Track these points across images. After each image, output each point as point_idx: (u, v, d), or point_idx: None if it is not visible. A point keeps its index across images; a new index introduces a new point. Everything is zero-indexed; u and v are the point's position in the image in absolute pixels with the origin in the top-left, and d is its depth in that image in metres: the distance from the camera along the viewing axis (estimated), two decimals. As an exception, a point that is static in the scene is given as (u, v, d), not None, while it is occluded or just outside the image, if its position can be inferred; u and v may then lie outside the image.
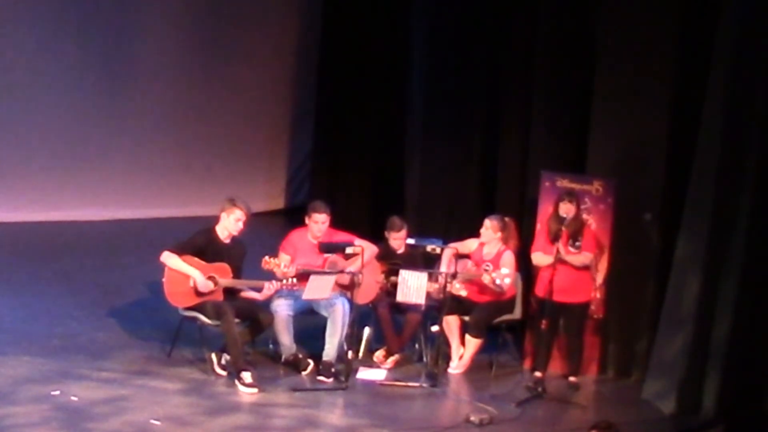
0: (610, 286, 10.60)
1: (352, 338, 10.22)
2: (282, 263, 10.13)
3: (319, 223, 10.29)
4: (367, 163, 14.26)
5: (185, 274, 9.89)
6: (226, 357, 10.00)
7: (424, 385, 10.20)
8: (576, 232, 10.31)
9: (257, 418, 9.31)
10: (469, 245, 10.64)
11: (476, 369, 10.60)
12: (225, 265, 9.98)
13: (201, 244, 10.01)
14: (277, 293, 10.09)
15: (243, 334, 10.00)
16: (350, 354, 10.18)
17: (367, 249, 10.32)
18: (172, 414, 9.14)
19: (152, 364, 10.09)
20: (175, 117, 14.96)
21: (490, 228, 10.47)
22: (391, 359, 10.61)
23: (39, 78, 14.06)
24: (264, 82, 15.42)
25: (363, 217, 13.50)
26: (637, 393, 10.29)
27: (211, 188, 14.26)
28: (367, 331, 10.71)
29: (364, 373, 10.29)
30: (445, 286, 10.27)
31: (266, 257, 10.10)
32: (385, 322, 10.63)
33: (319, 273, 10.10)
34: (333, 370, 10.11)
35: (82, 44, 14.22)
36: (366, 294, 10.40)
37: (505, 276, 10.27)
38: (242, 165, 15.31)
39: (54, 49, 14.07)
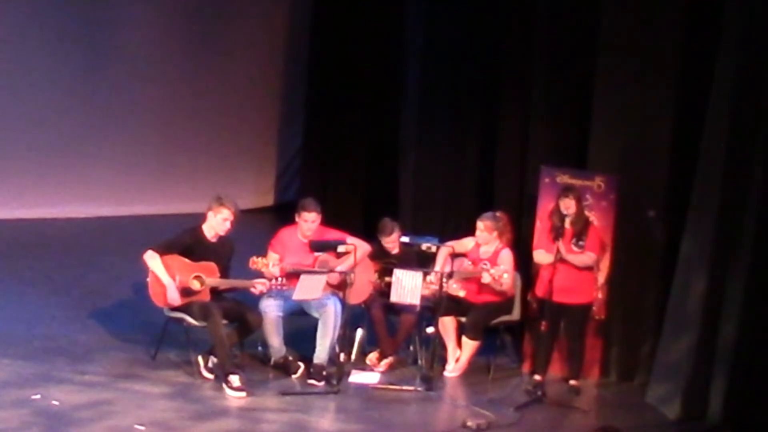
0: (612, 286, 10.55)
1: (344, 340, 10.18)
2: (271, 262, 10.05)
3: (309, 222, 10.21)
4: (360, 159, 14.32)
5: (170, 274, 9.76)
6: (213, 359, 9.92)
7: (419, 388, 10.12)
8: (581, 230, 10.23)
9: (245, 423, 9.24)
10: (466, 244, 10.57)
11: (473, 372, 10.53)
12: (212, 264, 9.89)
13: (187, 243, 9.94)
14: (267, 293, 10.00)
15: (231, 335, 9.92)
16: (342, 356, 10.14)
17: (360, 247, 10.24)
18: (157, 419, 9.05)
19: (136, 367, 10.02)
20: (161, 111, 15.00)
21: (484, 230, 10.39)
22: (385, 362, 10.52)
23: (17, 69, 13.96)
24: (253, 76, 15.51)
25: (355, 214, 13.67)
26: (641, 397, 10.28)
27: (198, 185, 14.36)
28: (359, 332, 10.64)
29: (356, 377, 10.23)
30: (440, 286, 10.16)
31: (254, 257, 10.04)
32: (379, 324, 10.53)
33: (309, 272, 9.98)
34: (324, 373, 10.04)
35: (63, 36, 14.18)
36: (359, 294, 10.33)
37: (503, 272, 10.18)
38: (230, 161, 15.38)
39: (33, 40, 13.99)
